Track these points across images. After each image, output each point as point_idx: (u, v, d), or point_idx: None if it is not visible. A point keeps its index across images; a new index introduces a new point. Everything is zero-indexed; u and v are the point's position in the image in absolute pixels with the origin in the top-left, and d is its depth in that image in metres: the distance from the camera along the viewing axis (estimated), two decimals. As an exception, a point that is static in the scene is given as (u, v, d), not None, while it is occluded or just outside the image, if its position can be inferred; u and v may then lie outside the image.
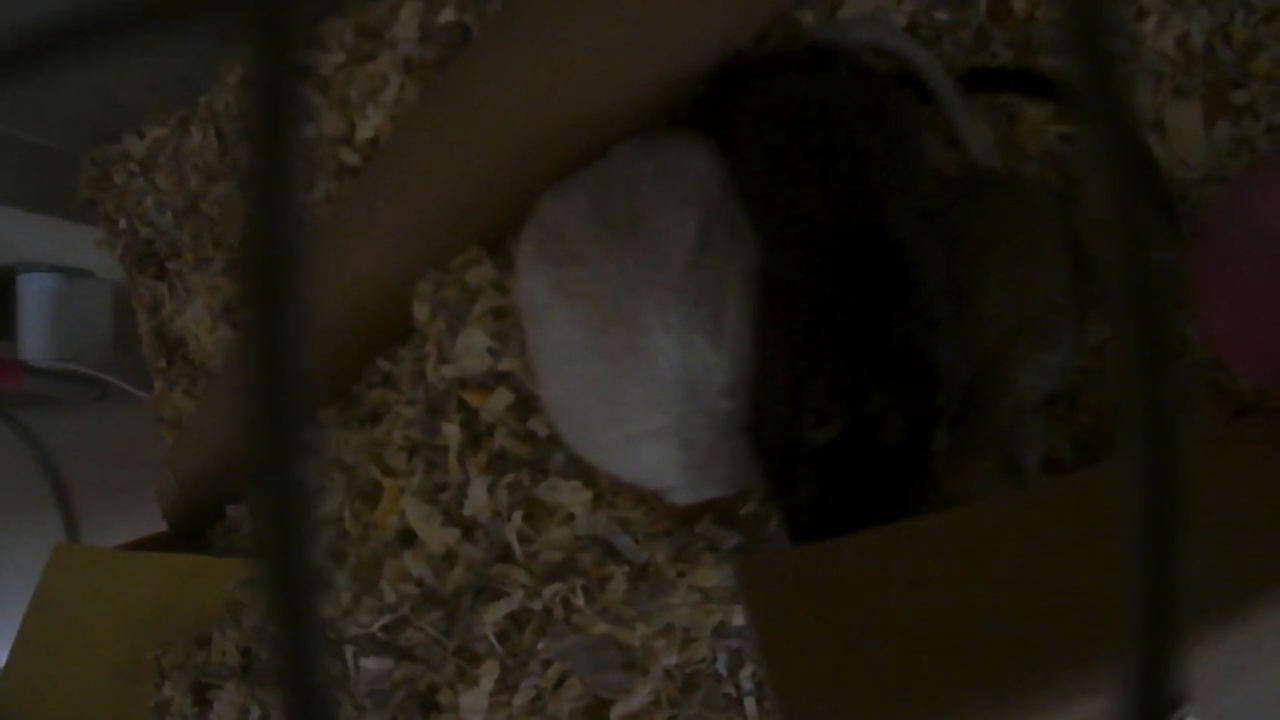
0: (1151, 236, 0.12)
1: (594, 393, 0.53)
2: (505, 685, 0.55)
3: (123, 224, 0.80)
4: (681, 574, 0.54)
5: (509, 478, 0.56)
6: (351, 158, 0.67)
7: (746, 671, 0.54)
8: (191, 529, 0.78)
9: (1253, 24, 0.58)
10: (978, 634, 0.40)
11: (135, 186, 0.79)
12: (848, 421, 0.49)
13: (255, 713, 0.58)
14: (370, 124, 0.65)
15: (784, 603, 0.42)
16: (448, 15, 0.63)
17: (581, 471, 0.55)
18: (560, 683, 0.55)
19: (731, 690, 0.54)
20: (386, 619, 0.57)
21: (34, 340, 0.94)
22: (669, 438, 0.52)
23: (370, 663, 0.57)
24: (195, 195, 0.77)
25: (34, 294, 0.96)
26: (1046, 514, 0.44)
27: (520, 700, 0.55)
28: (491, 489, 0.56)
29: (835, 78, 0.55)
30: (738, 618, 0.54)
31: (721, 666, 0.54)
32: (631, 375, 0.51)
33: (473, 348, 0.57)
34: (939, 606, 0.41)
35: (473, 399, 0.57)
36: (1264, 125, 0.58)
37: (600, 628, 0.54)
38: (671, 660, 0.54)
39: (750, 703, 0.54)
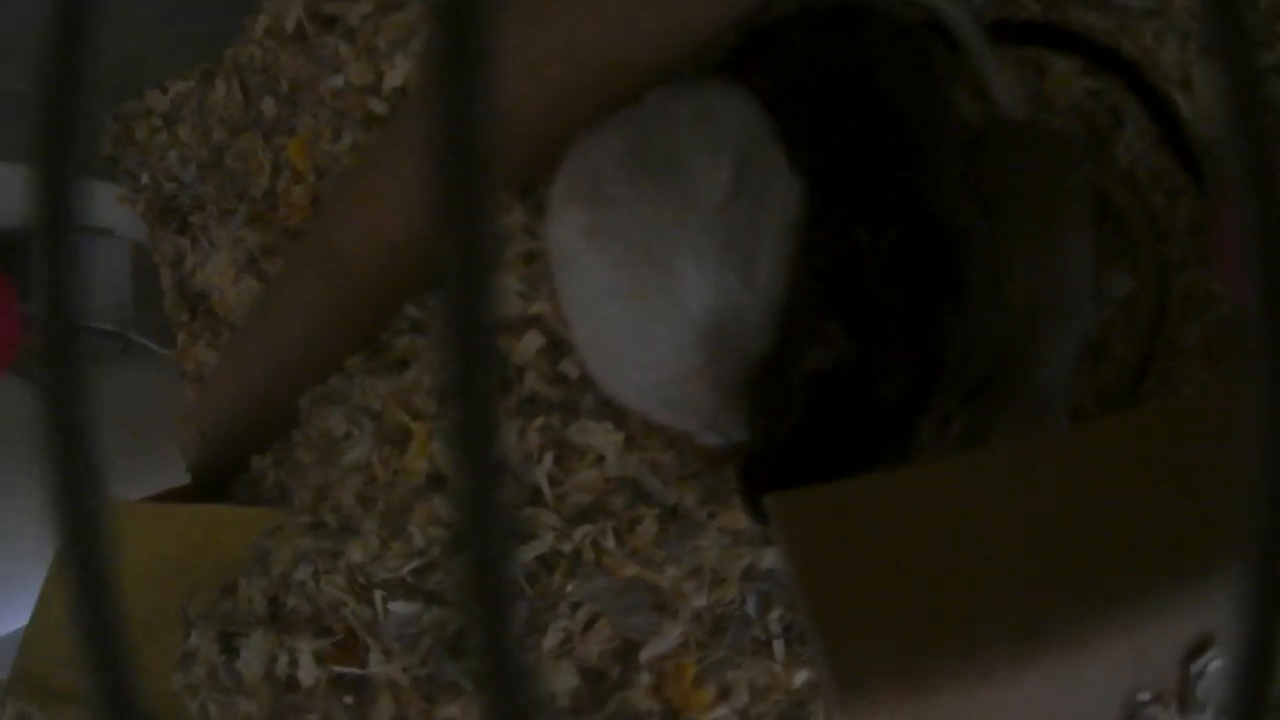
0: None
1: (625, 334, 0.52)
2: (534, 628, 0.54)
3: (145, 179, 0.79)
4: (711, 516, 0.53)
5: (539, 420, 0.55)
6: (379, 107, 0.65)
7: (775, 614, 0.53)
8: (215, 482, 0.76)
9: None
10: (1010, 571, 0.39)
11: (158, 141, 0.78)
12: (849, 359, 0.48)
13: (283, 659, 0.57)
14: (399, 73, 0.64)
15: (820, 539, 0.41)
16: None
17: (612, 413, 0.54)
18: (589, 625, 0.54)
19: (760, 633, 0.53)
20: (416, 563, 0.56)
21: (54, 297, 0.92)
22: (699, 379, 0.51)
23: (399, 607, 0.56)
24: (219, 148, 0.75)
25: (53, 252, 0.94)
26: (1078, 457, 0.43)
27: (550, 642, 0.54)
28: (522, 432, 0.55)
29: (870, 36, 0.54)
30: (767, 560, 0.53)
31: (750, 609, 0.53)
32: (663, 317, 0.50)
33: (503, 292, 0.56)
34: (972, 543, 0.40)
35: (503, 342, 0.56)
36: (1289, 83, 0.57)
37: (630, 570, 0.53)
38: (701, 602, 0.53)
39: (779, 645, 0.53)
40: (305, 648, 0.56)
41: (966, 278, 0.51)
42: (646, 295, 0.51)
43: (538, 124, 0.56)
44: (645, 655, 0.53)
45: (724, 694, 0.54)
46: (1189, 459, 0.40)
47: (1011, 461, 0.45)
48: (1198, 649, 0.40)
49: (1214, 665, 0.40)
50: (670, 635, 0.53)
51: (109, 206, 0.85)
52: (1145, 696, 0.40)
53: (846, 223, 0.50)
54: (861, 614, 0.39)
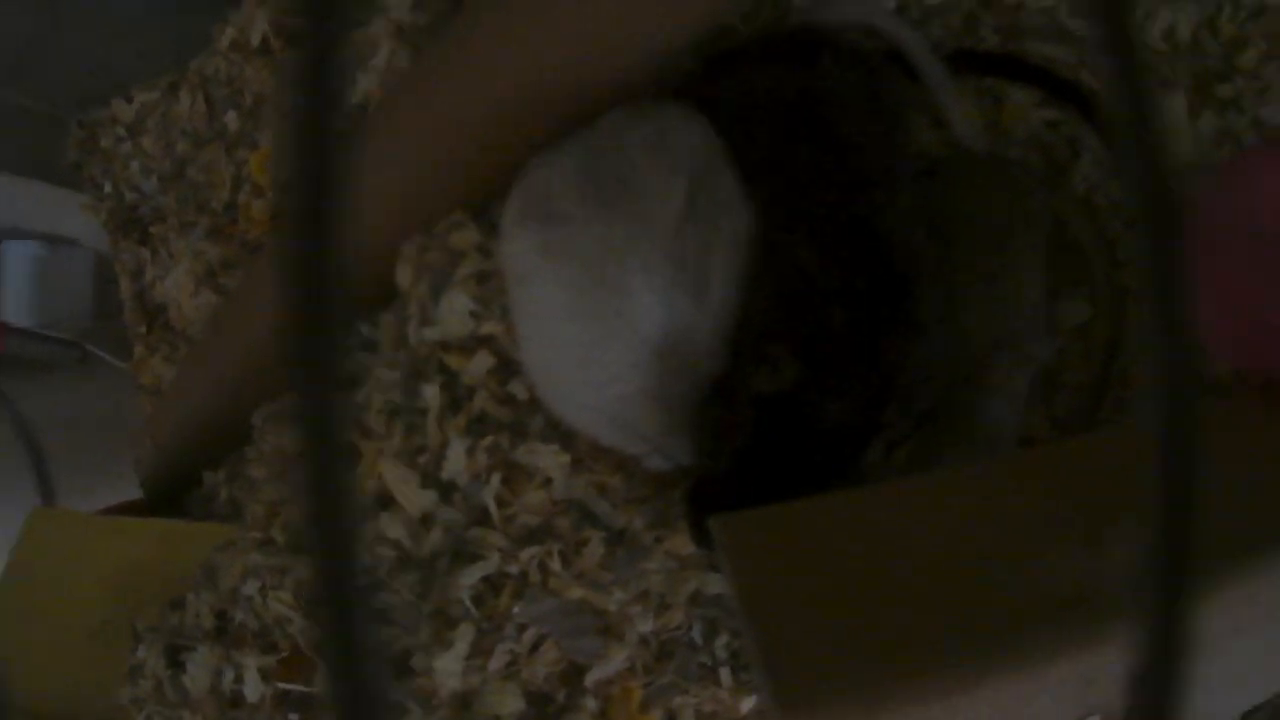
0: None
1: (576, 354, 0.52)
2: (480, 649, 0.54)
3: (108, 188, 0.79)
4: (659, 540, 0.53)
5: (488, 440, 0.55)
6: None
7: (722, 640, 0.54)
8: (168, 496, 0.76)
9: (1239, 19, 0.58)
10: (955, 593, 0.40)
11: (122, 150, 0.78)
12: (797, 385, 0.49)
13: (229, 675, 0.57)
14: (359, 89, 0.64)
15: (764, 561, 0.42)
16: (441, -17, 0.63)
17: (561, 435, 0.55)
18: (535, 647, 0.54)
19: (706, 659, 0.54)
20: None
21: (15, 306, 0.92)
22: (649, 400, 0.51)
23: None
24: (181, 160, 0.75)
25: (17, 260, 0.94)
26: (1026, 481, 0.44)
27: (495, 664, 0.54)
28: (470, 452, 0.55)
29: (825, 65, 0.55)
30: (714, 585, 0.53)
31: (697, 635, 0.54)
32: (614, 337, 0.51)
33: (455, 310, 0.56)
34: (918, 566, 0.41)
35: (454, 362, 0.56)
36: (1249, 119, 0.58)
37: (576, 592, 0.54)
38: (647, 627, 0.53)
39: (725, 672, 0.54)
40: (251, 663, 0.56)
41: (917, 305, 0.52)
42: (599, 315, 0.51)
43: (493, 143, 0.56)
44: (591, 679, 0.53)
45: (670, 719, 0.54)
46: (1128, 482, 0.41)
47: (958, 484, 0.45)
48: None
49: None
50: (616, 659, 0.53)
51: (75, 215, 0.86)
52: None
53: (796, 248, 0.50)
54: (805, 636, 0.39)
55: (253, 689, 0.56)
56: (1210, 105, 0.58)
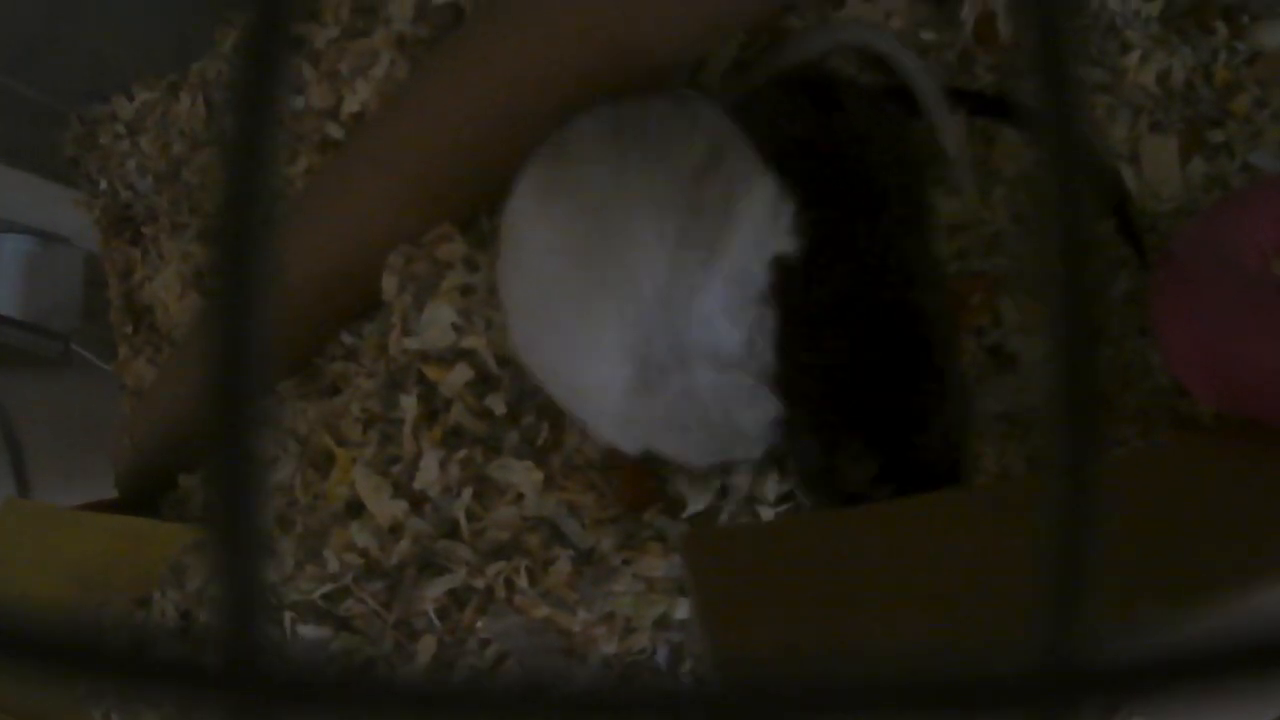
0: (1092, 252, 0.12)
1: (561, 299, 0.51)
2: (442, 663, 0.56)
3: (103, 185, 0.82)
4: (627, 562, 0.55)
5: (462, 453, 0.57)
6: (335, 131, 0.69)
7: (686, 666, 0.55)
8: (142, 497, 0.78)
9: (1235, 65, 0.60)
10: (918, 615, 0.41)
11: (119, 149, 0.81)
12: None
13: (186, 675, 0.59)
14: (357, 98, 0.67)
15: (729, 576, 0.43)
16: (443, -4, 0.66)
17: (534, 452, 0.57)
18: (497, 664, 0.56)
19: (669, 685, 0.55)
20: (328, 587, 0.58)
21: (2, 299, 0.95)
22: (627, 363, 0.50)
23: (308, 630, 0.57)
24: (178, 161, 0.78)
25: (8, 254, 0.97)
26: (996, 510, 0.45)
27: (456, 679, 0.56)
28: (444, 464, 0.57)
29: (855, 113, 0.56)
30: (681, 610, 0.55)
31: (661, 659, 0.55)
32: (606, 285, 0.49)
33: (437, 321, 0.59)
34: (884, 588, 0.42)
35: (433, 373, 0.59)
36: (1239, 164, 0.60)
37: (541, 611, 0.55)
38: (611, 649, 0.55)
39: (687, 700, 0.55)
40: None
41: (944, 363, 0.53)
42: (594, 260, 0.50)
43: (485, 156, 0.59)
44: (551, 700, 0.55)
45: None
46: (1105, 514, 0.42)
47: (930, 510, 0.47)
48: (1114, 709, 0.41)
49: None
50: (579, 680, 0.55)
51: (68, 213, 0.89)
52: None
53: (837, 286, 0.52)
54: (762, 649, 0.41)
55: (212, 692, 0.58)
56: (1201, 150, 0.60)
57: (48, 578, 0.70)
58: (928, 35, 0.61)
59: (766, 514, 0.54)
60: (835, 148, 0.54)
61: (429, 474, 0.57)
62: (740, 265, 0.50)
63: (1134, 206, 0.59)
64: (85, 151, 0.83)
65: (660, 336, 0.49)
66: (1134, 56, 0.60)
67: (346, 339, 0.66)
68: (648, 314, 0.49)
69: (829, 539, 0.45)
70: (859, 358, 0.51)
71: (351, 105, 0.67)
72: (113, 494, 0.81)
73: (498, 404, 0.58)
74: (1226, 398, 0.53)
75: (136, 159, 0.80)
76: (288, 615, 0.57)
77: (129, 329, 0.83)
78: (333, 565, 0.58)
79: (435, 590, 0.56)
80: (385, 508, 0.58)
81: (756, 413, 0.51)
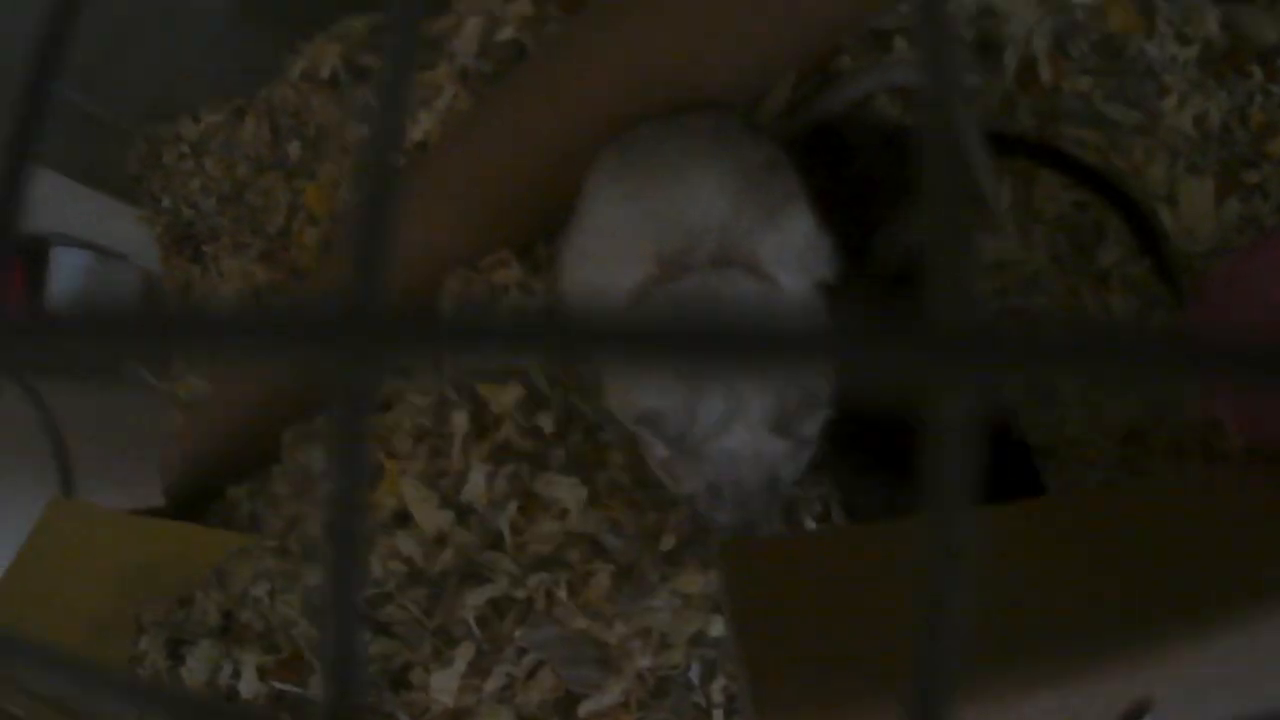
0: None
1: (612, 234, 0.54)
2: (478, 670, 0.58)
3: (166, 203, 0.86)
4: (665, 579, 0.58)
5: (509, 468, 0.60)
6: (400, 160, 0.73)
7: (718, 684, 0.57)
8: (190, 505, 0.82)
9: (1270, 108, 0.63)
10: None
11: (184, 168, 0.86)
12: None
13: (227, 669, 0.62)
14: (421, 128, 0.71)
15: (764, 587, 0.46)
16: (507, 33, 0.70)
17: (580, 469, 0.59)
18: (532, 674, 0.58)
19: (701, 700, 0.57)
20: (371, 593, 0.61)
21: (60, 312, 1.00)
22: (649, 261, 0.52)
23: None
24: (242, 183, 0.83)
25: (67, 268, 1.02)
26: (1024, 526, 0.48)
27: (491, 686, 0.58)
28: (491, 478, 0.60)
29: (871, 161, 0.60)
30: (716, 628, 0.57)
31: (694, 675, 0.57)
32: (653, 219, 0.53)
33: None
34: (908, 601, 0.44)
35: (485, 391, 0.62)
36: (1273, 205, 0.62)
37: (579, 623, 0.58)
38: (645, 663, 0.57)
39: (719, 715, 0.57)
40: (251, 661, 0.60)
41: None
42: (646, 196, 0.53)
43: (542, 187, 0.62)
44: (585, 709, 0.57)
45: (662, 757, 0.57)
46: (1133, 533, 0.44)
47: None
48: (1134, 714, 0.43)
49: None
50: (612, 692, 0.57)
51: (127, 230, 0.93)
52: None
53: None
54: (793, 658, 0.43)
55: (249, 685, 0.61)
56: (1236, 191, 0.62)
57: (89, 577, 0.73)
58: (972, 79, 0.64)
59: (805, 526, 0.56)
60: (845, 197, 0.58)
61: (476, 487, 0.60)
62: (802, 243, 0.53)
63: (1170, 247, 0.62)
64: (149, 170, 0.88)
65: (700, 251, 0.52)
66: (1171, 100, 0.63)
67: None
68: (689, 236, 0.52)
69: (865, 551, 0.47)
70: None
71: (415, 135, 0.71)
72: (159, 503, 0.84)
73: (547, 422, 0.60)
74: (1258, 432, 0.55)
75: (200, 179, 0.85)
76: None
77: (184, 344, 0.86)
78: (377, 571, 0.61)
79: (476, 599, 0.59)
80: (432, 518, 0.61)
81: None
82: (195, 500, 0.82)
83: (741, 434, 0.50)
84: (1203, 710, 0.43)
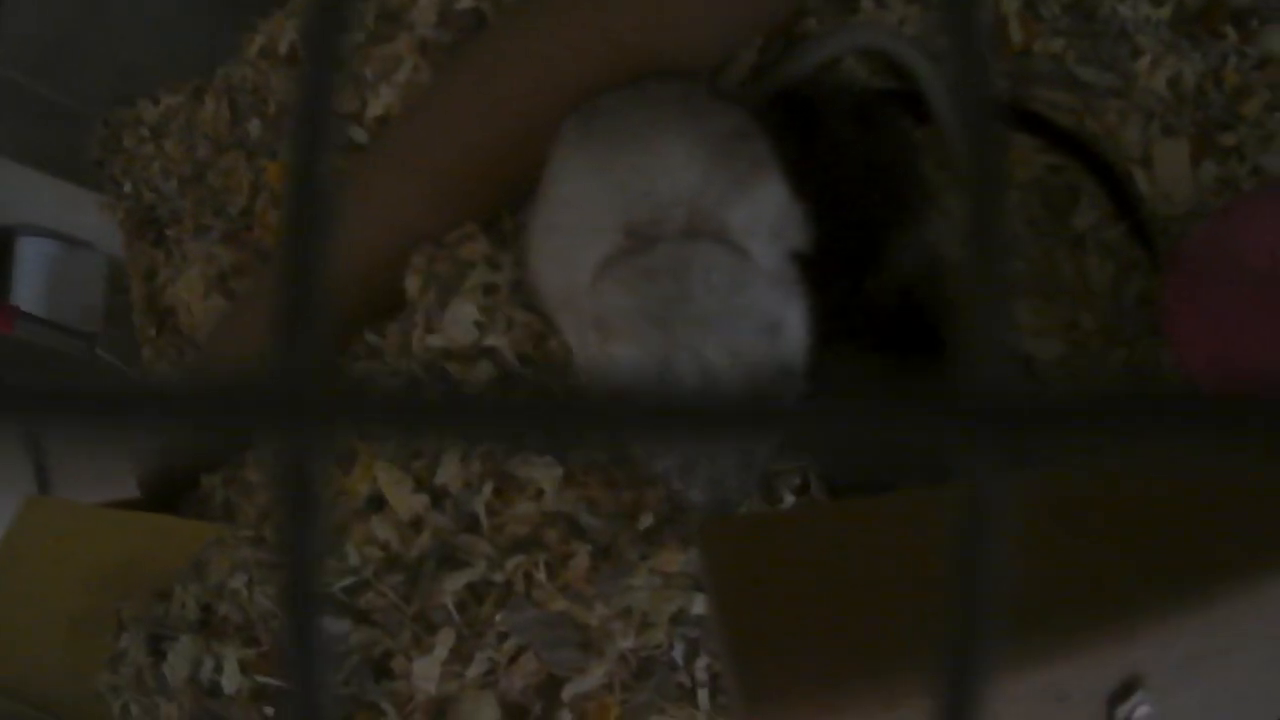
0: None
1: (579, 205, 0.55)
2: (459, 655, 0.58)
3: (128, 187, 0.85)
4: (644, 557, 0.58)
5: (482, 449, 0.59)
6: (360, 135, 0.72)
7: (702, 662, 0.57)
8: (163, 496, 0.81)
9: (1245, 69, 0.63)
10: (928, 603, 0.43)
11: (144, 151, 0.84)
12: None
13: (209, 665, 0.62)
14: (381, 102, 0.70)
15: (744, 563, 0.46)
16: (466, 3, 0.69)
17: (554, 449, 0.59)
18: (515, 657, 0.58)
19: (685, 680, 0.57)
20: (348, 581, 0.60)
21: (26, 301, 0.99)
22: (617, 231, 0.52)
23: (328, 623, 0.60)
24: (202, 164, 0.82)
25: (32, 258, 1.01)
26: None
27: (473, 672, 0.58)
28: (464, 459, 0.60)
29: (829, 132, 0.60)
30: (697, 606, 0.57)
31: (678, 655, 0.57)
32: (622, 188, 0.53)
33: (460, 320, 0.61)
34: (893, 577, 0.44)
35: (456, 370, 0.61)
36: (1249, 166, 0.62)
37: (559, 604, 0.58)
38: (627, 643, 0.57)
39: (703, 694, 0.57)
40: (232, 655, 0.60)
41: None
42: (613, 167, 0.53)
43: (506, 158, 0.62)
44: (568, 693, 0.57)
45: (645, 739, 0.58)
46: (1120, 506, 0.44)
47: (941, 501, 0.49)
48: (1123, 691, 0.43)
49: (1142, 710, 0.43)
50: (595, 674, 0.57)
51: (92, 218, 0.92)
52: None
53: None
54: (777, 637, 0.43)
55: (231, 680, 0.61)
56: (1212, 154, 0.62)
57: (68, 574, 0.72)
58: (940, 41, 0.64)
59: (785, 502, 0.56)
60: (814, 166, 0.57)
61: (450, 469, 0.60)
62: (773, 212, 0.53)
63: (1146, 210, 0.62)
64: (110, 154, 0.86)
65: (669, 222, 0.51)
66: (1145, 61, 0.63)
67: (370, 338, 0.69)
68: (657, 206, 0.52)
69: (844, 527, 0.47)
70: (864, 358, 0.54)
71: (375, 109, 0.70)
72: (134, 494, 0.84)
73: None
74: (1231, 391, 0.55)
75: (161, 162, 0.84)
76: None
77: (152, 331, 0.86)
78: (354, 559, 0.61)
79: (454, 584, 0.59)
80: (406, 501, 0.60)
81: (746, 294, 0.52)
82: (170, 489, 0.81)
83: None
84: (1191, 687, 0.44)
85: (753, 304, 0.51)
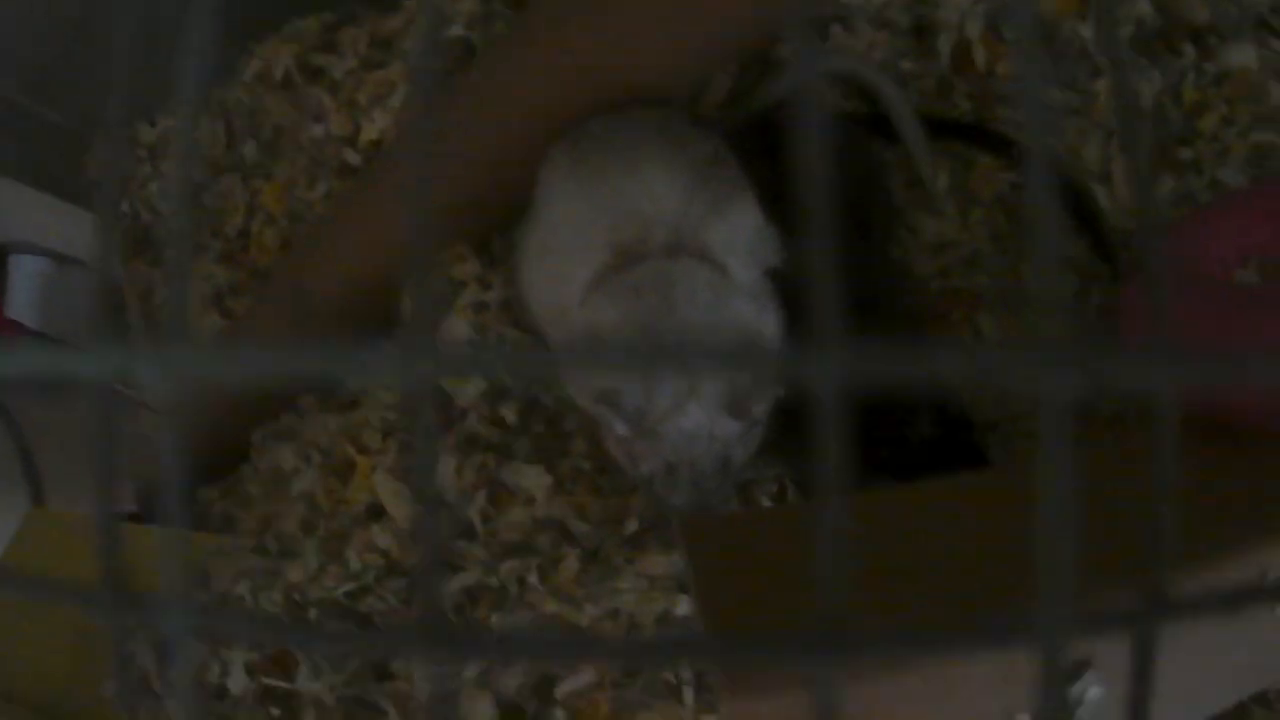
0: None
1: (568, 228, 0.59)
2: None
3: (125, 208, 0.89)
4: (630, 561, 0.62)
5: (477, 459, 0.64)
6: (354, 158, 0.76)
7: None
8: (160, 510, 0.85)
9: (1203, 85, 0.67)
10: (907, 599, 0.47)
11: (141, 172, 0.88)
12: None
13: (215, 668, 0.66)
14: (375, 127, 0.74)
15: (725, 560, 0.49)
16: (455, 31, 0.73)
17: (544, 458, 0.63)
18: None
19: (671, 678, 0.62)
20: (350, 586, 0.64)
21: (20, 318, 1.02)
22: (604, 250, 0.57)
23: (332, 627, 0.64)
24: (198, 186, 0.86)
25: (25, 275, 1.04)
26: (977, 492, 0.52)
27: (470, 672, 0.62)
28: (459, 469, 0.64)
29: (851, 160, 0.64)
30: (682, 607, 0.61)
31: (663, 652, 0.61)
32: (608, 210, 0.58)
33: (453, 337, 0.65)
34: (879, 570, 0.48)
35: (449, 384, 0.66)
36: (1207, 179, 0.67)
37: (551, 606, 0.62)
38: (616, 643, 0.61)
39: (689, 691, 0.61)
40: (238, 658, 0.64)
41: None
42: (601, 188, 0.58)
43: (498, 181, 0.66)
44: (561, 690, 0.61)
45: (636, 734, 0.62)
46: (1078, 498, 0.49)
47: (921, 497, 0.53)
48: (1071, 674, 0.46)
49: (1093, 691, 0.46)
50: (586, 672, 0.61)
51: (86, 236, 0.96)
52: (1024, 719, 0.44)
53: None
54: (756, 626, 0.46)
55: (237, 682, 0.65)
56: (1170, 168, 0.67)
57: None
58: (907, 65, 0.68)
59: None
60: (786, 188, 0.62)
61: (445, 478, 0.64)
62: (749, 233, 0.57)
63: (1106, 224, 0.66)
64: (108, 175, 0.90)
65: (653, 241, 0.56)
66: (1105, 81, 0.67)
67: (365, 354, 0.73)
68: (642, 225, 0.56)
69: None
70: None
71: (369, 134, 0.75)
72: (130, 508, 0.87)
73: (510, 413, 0.64)
74: (1191, 401, 0.60)
75: (158, 183, 0.87)
76: (313, 612, 0.64)
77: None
78: (354, 565, 0.65)
79: (452, 588, 0.63)
80: (404, 510, 0.64)
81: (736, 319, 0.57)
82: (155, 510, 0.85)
83: (696, 414, 0.54)
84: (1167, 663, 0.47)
85: (733, 316, 0.55)
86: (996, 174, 0.67)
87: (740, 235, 0.58)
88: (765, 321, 0.57)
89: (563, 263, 0.59)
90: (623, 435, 0.55)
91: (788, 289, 0.60)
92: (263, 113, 0.82)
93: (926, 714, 0.46)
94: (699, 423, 0.54)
